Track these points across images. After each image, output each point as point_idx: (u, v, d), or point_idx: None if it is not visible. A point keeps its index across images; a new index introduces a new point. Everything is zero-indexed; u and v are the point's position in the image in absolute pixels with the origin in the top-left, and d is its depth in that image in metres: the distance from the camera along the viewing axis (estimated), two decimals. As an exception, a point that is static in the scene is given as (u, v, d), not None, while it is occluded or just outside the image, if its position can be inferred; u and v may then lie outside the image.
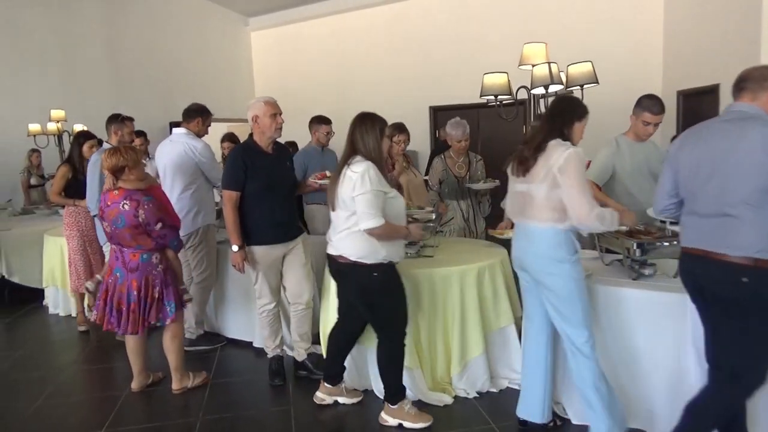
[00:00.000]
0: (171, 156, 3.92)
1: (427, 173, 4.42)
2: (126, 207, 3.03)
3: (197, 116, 4.01)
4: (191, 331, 4.05)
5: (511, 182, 2.64)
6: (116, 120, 4.21)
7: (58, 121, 6.58)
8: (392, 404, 2.87)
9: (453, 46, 9.71)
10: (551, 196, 2.41)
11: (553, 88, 3.11)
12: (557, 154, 2.38)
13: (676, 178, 2.27)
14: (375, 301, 2.78)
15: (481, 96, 3.33)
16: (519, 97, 3.33)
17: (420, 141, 9.51)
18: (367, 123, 2.73)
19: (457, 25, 9.71)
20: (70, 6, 9.43)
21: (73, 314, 4.98)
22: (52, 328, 4.87)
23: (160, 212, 3.12)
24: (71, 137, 6.32)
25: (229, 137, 5.43)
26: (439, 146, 6.82)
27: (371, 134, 2.70)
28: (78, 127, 6.40)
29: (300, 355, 3.51)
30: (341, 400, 3.13)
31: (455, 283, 3.13)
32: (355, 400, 3.15)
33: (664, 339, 2.57)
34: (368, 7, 10.77)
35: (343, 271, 2.80)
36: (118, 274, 3.15)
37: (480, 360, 3.19)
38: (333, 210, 2.78)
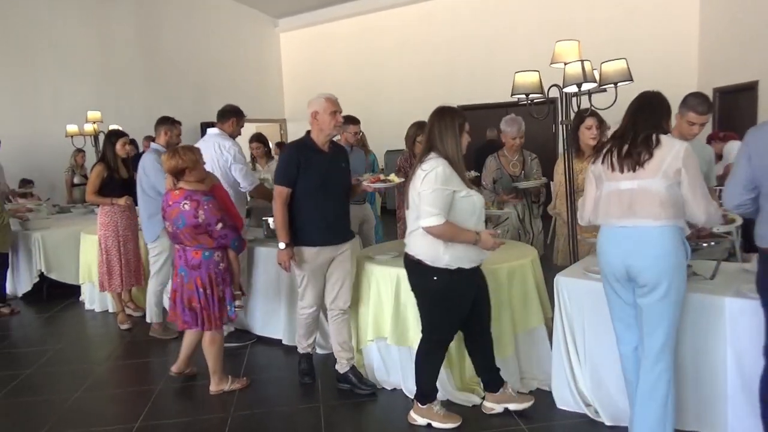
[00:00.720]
0: (209, 155, 3.99)
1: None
2: (186, 207, 3.07)
3: (232, 117, 4.09)
4: (222, 328, 4.11)
5: (606, 181, 2.42)
6: (167, 122, 4.35)
7: (94, 122, 6.75)
8: (422, 404, 2.84)
9: (481, 44, 9.66)
10: (671, 192, 2.28)
11: (586, 86, 3.06)
12: (676, 148, 2.28)
13: (753, 173, 2.15)
14: (426, 302, 2.75)
15: (512, 95, 3.29)
16: (550, 95, 3.30)
17: (448, 140, 9.49)
18: (446, 119, 2.62)
19: (485, 23, 9.65)
20: (106, 11, 9.68)
21: (110, 310, 5.12)
22: (89, 323, 5.00)
23: (220, 212, 3.15)
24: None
25: (257, 137, 5.50)
26: (483, 146, 6.76)
27: (449, 131, 2.59)
28: (113, 128, 6.55)
29: (342, 366, 3.34)
30: (512, 407, 2.93)
31: (488, 283, 3.11)
32: (527, 405, 2.94)
33: (702, 341, 2.51)
34: (396, 6, 10.77)
35: (409, 267, 2.77)
36: (182, 273, 3.21)
37: (510, 360, 3.17)
38: (407, 209, 2.72)
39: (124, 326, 4.68)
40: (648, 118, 2.37)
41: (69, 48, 9.22)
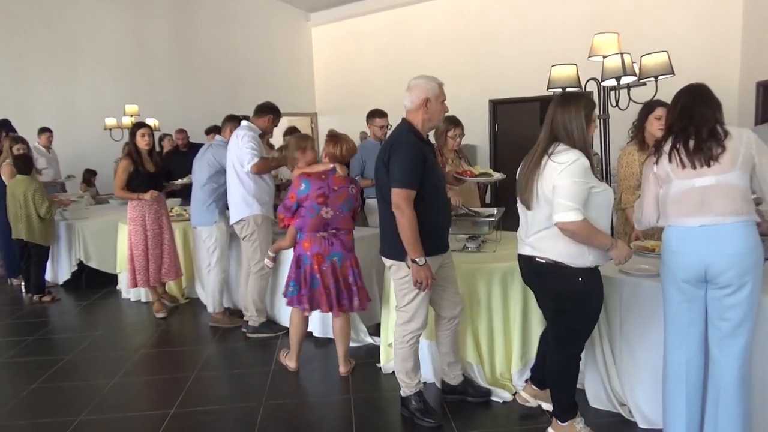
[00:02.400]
0: (230, 146, 4.13)
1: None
2: (353, 191, 3.27)
3: (269, 113, 4.16)
4: (253, 318, 4.19)
5: (675, 179, 2.28)
6: (234, 120, 4.45)
7: (132, 116, 6.91)
8: (561, 421, 2.59)
9: (514, 37, 9.52)
10: (748, 185, 2.20)
11: (625, 80, 3.00)
12: (745, 135, 2.20)
13: None
14: (570, 307, 2.46)
15: (548, 88, 3.25)
16: (587, 89, 3.24)
17: (479, 135, 9.42)
18: (571, 107, 2.36)
19: (518, 15, 9.51)
20: (142, 7, 9.88)
21: (144, 299, 5.25)
22: (125, 311, 5.13)
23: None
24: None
25: (292, 131, 5.55)
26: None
27: (576, 120, 2.33)
28: (150, 122, 6.69)
29: (456, 377, 3.09)
30: (545, 406, 2.86)
31: (518, 279, 3.08)
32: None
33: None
34: (427, 0, 10.71)
35: (540, 272, 2.48)
36: (335, 258, 3.27)
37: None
38: (529, 208, 2.45)
39: (160, 315, 4.78)
40: (705, 110, 2.27)
41: (106, 42, 9.43)
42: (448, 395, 3.10)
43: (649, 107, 3.24)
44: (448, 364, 3.07)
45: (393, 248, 2.70)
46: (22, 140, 5.64)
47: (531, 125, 10.05)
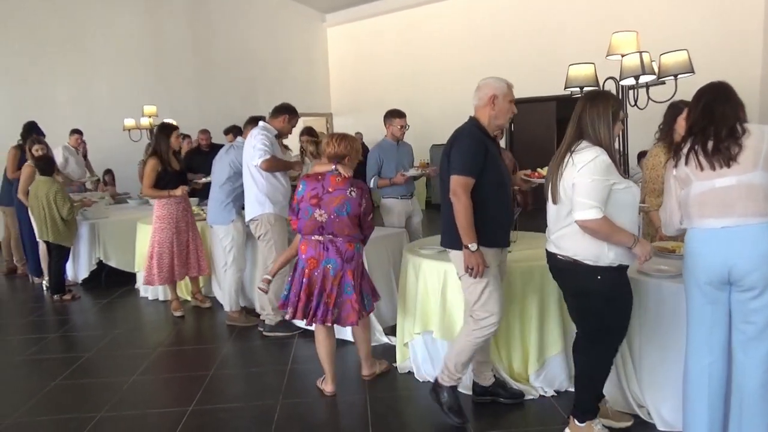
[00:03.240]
0: (246, 146, 4.16)
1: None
2: (353, 194, 3.00)
3: (284, 113, 4.17)
4: (270, 317, 4.22)
5: (696, 181, 2.25)
6: (256, 121, 4.45)
7: (150, 116, 6.99)
8: (579, 421, 2.56)
9: (530, 36, 9.49)
10: None
11: (644, 79, 2.97)
12: (765, 132, 2.17)
13: None
14: (591, 305, 2.45)
15: (565, 88, 3.23)
16: (605, 88, 3.22)
17: (494, 135, 9.38)
18: (599, 105, 2.36)
19: (534, 14, 9.47)
20: (160, 9, 10.00)
21: (162, 297, 5.31)
22: (143, 310, 5.20)
23: (371, 204, 3.14)
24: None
25: (308, 131, 5.57)
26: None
27: (603, 118, 2.34)
28: (166, 122, 6.77)
29: (487, 378, 3.06)
30: (605, 422, 2.64)
31: (535, 279, 3.07)
32: (621, 425, 2.71)
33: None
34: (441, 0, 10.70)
35: (561, 269, 2.50)
36: (329, 265, 3.05)
37: (559, 358, 3.12)
38: (554, 203, 2.46)
39: (178, 313, 4.83)
40: (725, 108, 2.24)
41: (125, 44, 9.57)
42: (479, 396, 3.07)
43: (677, 108, 3.20)
44: (479, 363, 3.03)
45: (453, 238, 2.72)
46: (40, 141, 5.73)
47: (547, 125, 10.00)
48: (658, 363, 2.70)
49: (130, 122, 7.17)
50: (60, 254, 5.47)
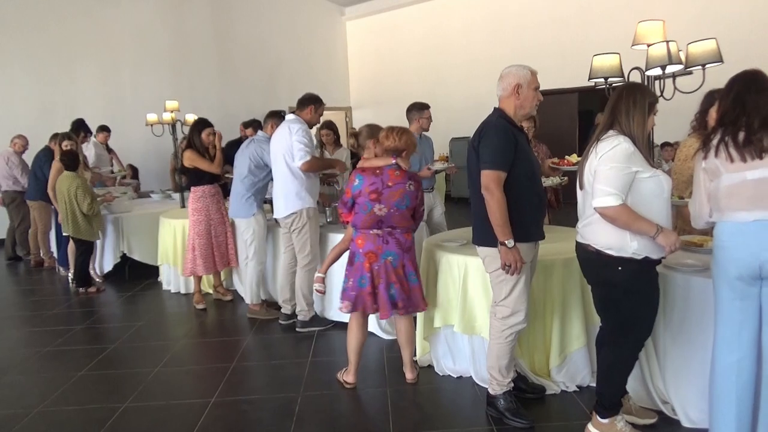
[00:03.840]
0: (276, 138, 4.16)
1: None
2: (411, 188, 3.02)
3: (310, 104, 4.16)
4: (303, 313, 4.21)
5: (725, 173, 2.21)
6: (276, 116, 4.55)
7: (172, 111, 7.05)
8: (602, 417, 2.52)
9: (552, 27, 9.36)
10: None
11: (671, 69, 2.90)
12: None
13: None
14: (612, 297, 2.42)
15: (589, 78, 3.17)
16: (630, 79, 3.15)
17: (515, 128, 9.29)
18: (636, 95, 2.34)
19: (557, 4, 9.34)
20: (183, 5, 10.09)
21: (184, 291, 5.38)
22: (166, 302, 5.27)
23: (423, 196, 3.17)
24: (182, 125, 6.78)
25: (328, 125, 5.57)
26: (594, 130, 6.58)
27: (638, 108, 2.31)
28: (190, 117, 6.83)
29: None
30: (629, 419, 2.60)
31: (557, 273, 3.04)
32: (645, 422, 2.66)
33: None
34: (462, -10, 10.61)
35: (585, 259, 2.48)
36: (390, 257, 3.06)
37: (581, 353, 3.08)
38: (581, 188, 2.45)
39: (200, 306, 4.89)
40: (758, 98, 2.17)
41: (148, 40, 9.68)
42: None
43: (713, 97, 3.07)
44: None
45: (485, 235, 2.66)
46: (69, 137, 5.83)
47: (569, 117, 9.87)
48: (683, 359, 2.65)
49: (152, 117, 7.23)
50: (82, 249, 5.53)
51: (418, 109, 4.72)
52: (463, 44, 10.70)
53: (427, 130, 4.77)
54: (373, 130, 3.46)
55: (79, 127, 6.39)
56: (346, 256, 3.27)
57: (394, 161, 3.02)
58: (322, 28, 12.33)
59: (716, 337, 2.31)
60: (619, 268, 2.33)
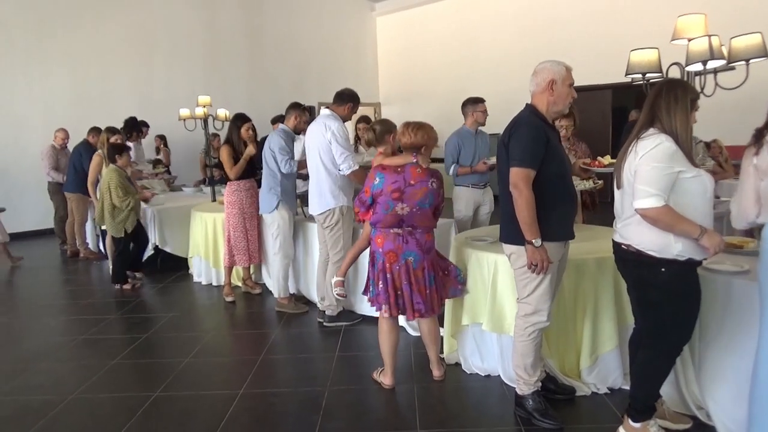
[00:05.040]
0: (312, 134, 4.12)
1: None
2: (434, 185, 2.95)
3: (349, 102, 4.11)
4: (332, 308, 4.22)
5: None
6: (298, 108, 4.55)
7: (204, 106, 7.14)
8: (634, 421, 2.47)
9: (584, 21, 9.19)
10: None
11: (712, 64, 2.80)
12: None
13: None
14: (653, 299, 2.34)
15: (626, 74, 3.08)
16: (669, 75, 3.06)
17: (546, 124, 9.15)
18: (677, 91, 2.25)
19: None
20: (214, 2, 10.22)
21: (214, 283, 5.46)
22: (197, 294, 5.35)
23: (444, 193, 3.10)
24: (214, 120, 6.86)
25: (365, 119, 5.59)
26: (629, 127, 6.48)
27: (680, 105, 2.23)
28: (221, 112, 6.92)
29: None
30: (662, 423, 2.54)
31: (590, 272, 2.98)
32: (679, 427, 2.60)
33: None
34: (494, -15, 10.49)
35: (624, 259, 2.41)
36: (411, 258, 3.00)
37: (613, 355, 3.02)
38: (618, 187, 2.40)
39: (229, 299, 4.95)
40: None
41: (181, 36, 9.83)
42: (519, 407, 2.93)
43: None
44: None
45: (512, 232, 2.62)
46: (117, 131, 5.91)
47: (602, 114, 9.67)
48: (721, 364, 2.57)
49: (185, 112, 7.35)
50: (120, 247, 5.46)
51: (472, 103, 4.70)
52: (493, 39, 10.58)
53: (483, 124, 4.74)
54: (387, 124, 3.43)
55: (133, 126, 6.50)
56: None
57: (414, 158, 2.97)
58: (352, 24, 12.34)
59: (761, 344, 2.21)
60: (662, 269, 2.26)
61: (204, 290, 5.43)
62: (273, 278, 4.73)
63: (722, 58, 2.82)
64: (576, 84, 2.65)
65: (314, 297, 4.58)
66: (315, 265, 4.49)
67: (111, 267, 5.78)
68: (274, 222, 4.52)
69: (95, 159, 5.88)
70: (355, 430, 2.80)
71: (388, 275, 3.01)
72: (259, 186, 4.96)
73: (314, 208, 4.16)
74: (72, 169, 6.74)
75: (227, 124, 5.09)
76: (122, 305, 5.02)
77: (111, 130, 5.88)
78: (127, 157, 5.47)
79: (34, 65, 8.40)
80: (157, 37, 9.57)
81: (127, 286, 5.56)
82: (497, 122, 4.63)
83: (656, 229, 2.23)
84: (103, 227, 5.60)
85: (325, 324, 4.23)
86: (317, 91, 11.00)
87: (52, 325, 4.59)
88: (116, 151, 5.41)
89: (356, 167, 3.99)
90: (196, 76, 9.85)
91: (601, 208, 4.59)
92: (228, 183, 4.87)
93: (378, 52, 12.84)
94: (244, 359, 3.71)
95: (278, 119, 6.37)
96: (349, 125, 4.94)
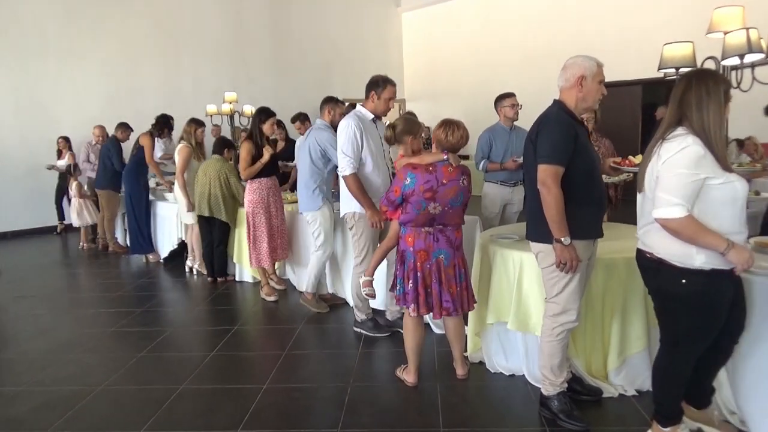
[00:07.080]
0: (339, 132, 3.91)
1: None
2: (464, 183, 2.94)
3: (369, 90, 3.83)
4: (358, 314, 4.06)
5: None
6: (332, 101, 4.39)
7: (230, 103, 7.22)
8: (663, 426, 2.40)
9: (614, 15, 9.00)
10: None
11: (749, 58, 2.70)
12: None
13: None
14: (671, 309, 2.25)
15: (659, 69, 3.00)
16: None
17: (574, 121, 9.01)
18: (708, 83, 2.06)
19: (620, -6, 8.97)
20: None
21: (238, 278, 5.52)
22: (220, 288, 5.38)
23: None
24: (240, 116, 6.94)
25: (410, 115, 5.52)
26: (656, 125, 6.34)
27: (713, 98, 2.04)
28: (247, 108, 6.96)
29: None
30: (707, 429, 2.48)
31: (619, 272, 2.91)
32: None
33: None
34: (521, -20, 10.35)
35: (645, 266, 2.31)
36: (442, 255, 2.99)
37: (641, 356, 2.96)
38: (640, 191, 2.29)
39: (270, 298, 4.85)
40: None
41: (207, 32, 9.94)
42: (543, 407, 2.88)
43: None
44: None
45: (539, 230, 2.57)
46: (203, 124, 5.85)
47: (631, 111, 9.48)
48: (756, 368, 2.48)
49: (212, 108, 7.44)
50: (221, 237, 5.34)
51: (500, 98, 4.64)
52: (520, 35, 10.45)
53: (513, 119, 4.65)
54: (409, 124, 3.29)
55: (165, 123, 6.59)
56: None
57: (445, 157, 2.93)
58: (378, 20, 12.32)
59: None
60: (683, 281, 2.13)
61: (228, 285, 5.47)
62: (306, 273, 4.59)
63: (761, 51, 2.72)
64: (606, 79, 2.59)
65: (348, 297, 4.49)
66: (350, 266, 4.37)
67: (196, 261, 5.75)
68: (316, 220, 4.35)
69: (184, 150, 5.57)
70: (377, 426, 2.78)
71: (419, 274, 2.99)
72: (281, 183, 4.91)
73: (341, 208, 4.01)
74: (102, 166, 6.88)
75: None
76: (149, 299, 5.10)
77: (196, 122, 5.76)
78: (233, 151, 5.42)
79: (65, 59, 8.56)
80: (184, 34, 9.69)
81: (230, 278, 5.49)
82: (524, 119, 4.57)
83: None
84: (187, 221, 5.63)
85: (354, 328, 4.08)
86: (342, 87, 11.00)
87: (82, 316, 4.69)
88: (226, 144, 5.35)
89: (348, 172, 3.70)
90: (222, 73, 9.95)
91: (626, 204, 4.49)
92: (248, 181, 4.76)
93: (403, 49, 12.79)
94: (268, 354, 3.74)
95: (298, 117, 6.33)
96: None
